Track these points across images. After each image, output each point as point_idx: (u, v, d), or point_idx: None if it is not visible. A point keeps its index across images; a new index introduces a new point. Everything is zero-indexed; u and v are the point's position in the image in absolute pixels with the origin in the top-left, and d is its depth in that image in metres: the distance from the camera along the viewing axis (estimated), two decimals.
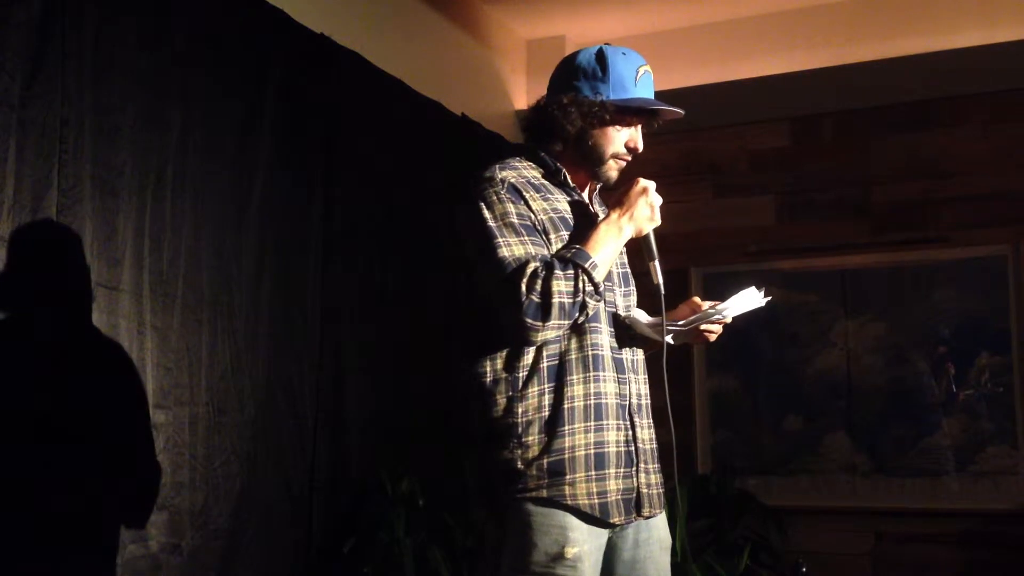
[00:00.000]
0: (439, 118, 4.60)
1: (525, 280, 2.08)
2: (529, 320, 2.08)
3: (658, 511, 2.31)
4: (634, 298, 2.40)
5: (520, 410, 2.15)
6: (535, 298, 2.07)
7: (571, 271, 2.11)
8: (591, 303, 2.15)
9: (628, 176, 2.33)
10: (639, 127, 2.32)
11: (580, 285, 2.11)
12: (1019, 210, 4.58)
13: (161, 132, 3.16)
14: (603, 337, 2.24)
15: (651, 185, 2.27)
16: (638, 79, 2.28)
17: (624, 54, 2.30)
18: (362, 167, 4.06)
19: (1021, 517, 4.43)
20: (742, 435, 4.97)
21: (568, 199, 2.29)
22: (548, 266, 2.11)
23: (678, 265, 4.72)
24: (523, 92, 5.49)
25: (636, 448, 2.25)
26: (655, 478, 2.30)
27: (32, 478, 2.70)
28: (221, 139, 3.39)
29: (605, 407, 2.21)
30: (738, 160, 5.11)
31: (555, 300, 2.08)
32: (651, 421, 2.34)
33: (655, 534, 2.30)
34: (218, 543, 3.26)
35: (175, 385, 3.16)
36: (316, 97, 3.84)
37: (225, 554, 3.28)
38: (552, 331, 2.12)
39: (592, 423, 2.18)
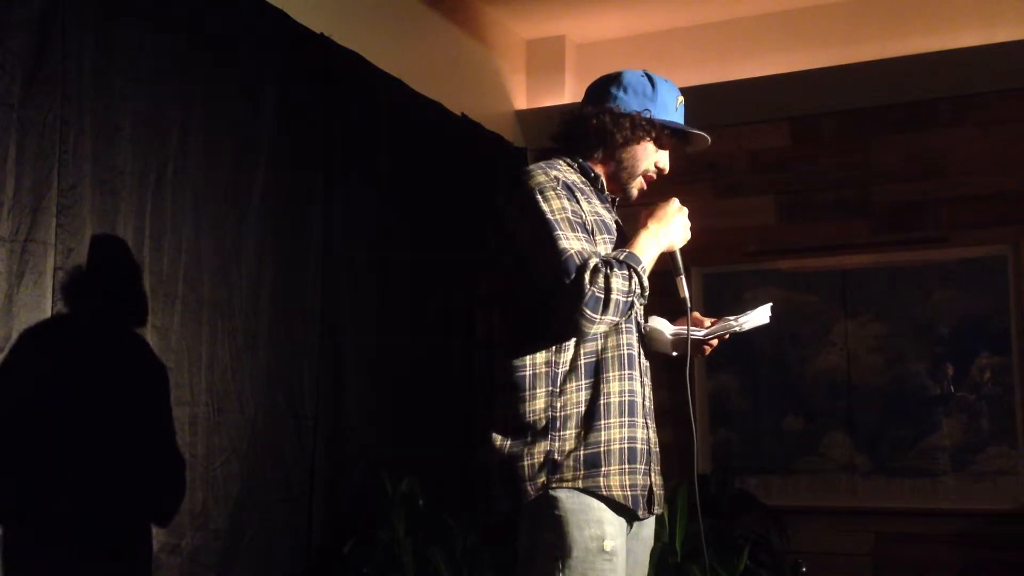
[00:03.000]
0: (439, 118, 4.60)
1: (588, 273, 2.14)
2: (588, 311, 2.14)
3: (660, 511, 2.41)
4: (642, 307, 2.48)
5: (559, 405, 2.23)
6: (597, 292, 2.14)
7: (626, 271, 2.19)
8: (637, 304, 2.25)
9: (647, 193, 2.46)
10: (669, 151, 2.43)
11: (633, 285, 2.20)
12: (1019, 210, 4.57)
13: (161, 132, 3.17)
14: (634, 338, 2.34)
15: (684, 208, 2.39)
16: (677, 106, 2.42)
17: (666, 81, 2.43)
18: (362, 167, 4.06)
19: (1021, 517, 4.43)
20: (742, 435, 4.97)
21: (603, 205, 2.39)
22: (607, 263, 2.18)
23: None
24: (523, 92, 5.49)
25: (650, 448, 2.35)
26: (660, 479, 2.41)
27: (35, 479, 2.70)
28: (221, 139, 3.39)
29: (637, 405, 2.31)
30: (738, 160, 5.10)
31: (614, 296, 2.15)
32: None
33: (645, 531, 2.41)
34: (218, 543, 3.26)
35: (175, 385, 3.16)
36: (316, 97, 3.84)
37: (225, 554, 3.28)
38: (604, 326, 2.20)
39: (627, 419, 2.27)
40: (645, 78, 2.39)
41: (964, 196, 4.68)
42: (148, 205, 3.10)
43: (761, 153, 5.08)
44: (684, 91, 2.48)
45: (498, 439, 2.24)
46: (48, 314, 2.77)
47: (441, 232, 4.48)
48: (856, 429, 4.77)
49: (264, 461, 3.47)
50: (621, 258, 2.22)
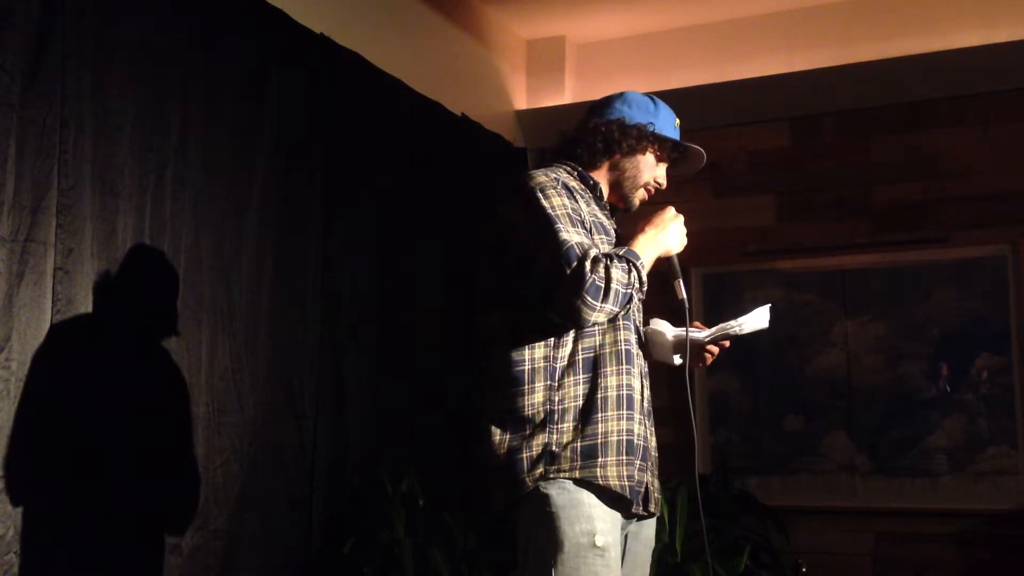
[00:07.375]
0: (439, 118, 4.60)
1: (589, 262, 2.21)
2: (590, 298, 2.20)
3: (657, 512, 2.44)
4: (641, 314, 2.55)
5: (557, 399, 2.29)
6: (598, 280, 2.21)
7: (625, 264, 2.28)
8: (636, 298, 2.32)
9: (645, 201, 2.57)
10: (667, 166, 2.58)
11: (632, 279, 2.28)
12: (1019, 210, 4.57)
13: (161, 132, 3.16)
14: (632, 336, 2.39)
15: (680, 215, 2.49)
16: (676, 126, 2.57)
17: (665, 104, 2.57)
18: (362, 167, 4.06)
19: (1021, 517, 4.43)
20: (742, 435, 4.97)
21: (601, 212, 2.48)
22: (607, 256, 2.27)
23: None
24: (523, 92, 5.49)
25: (647, 447, 2.40)
26: (657, 482, 2.45)
27: (33, 479, 2.70)
28: (221, 139, 3.39)
29: (635, 400, 2.36)
30: (738, 160, 5.10)
31: (614, 286, 2.22)
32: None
33: (646, 531, 2.46)
34: (218, 543, 3.26)
35: (176, 385, 3.15)
36: (316, 97, 3.84)
37: (225, 554, 3.28)
38: (603, 315, 2.26)
39: (624, 412, 2.33)
40: (648, 98, 2.53)
41: (964, 196, 4.67)
42: (148, 205, 3.10)
43: (761, 153, 5.08)
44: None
45: (496, 433, 2.29)
46: (48, 314, 2.77)
47: (441, 232, 4.48)
48: (856, 429, 4.76)
49: (264, 461, 3.47)
50: (620, 253, 2.31)
